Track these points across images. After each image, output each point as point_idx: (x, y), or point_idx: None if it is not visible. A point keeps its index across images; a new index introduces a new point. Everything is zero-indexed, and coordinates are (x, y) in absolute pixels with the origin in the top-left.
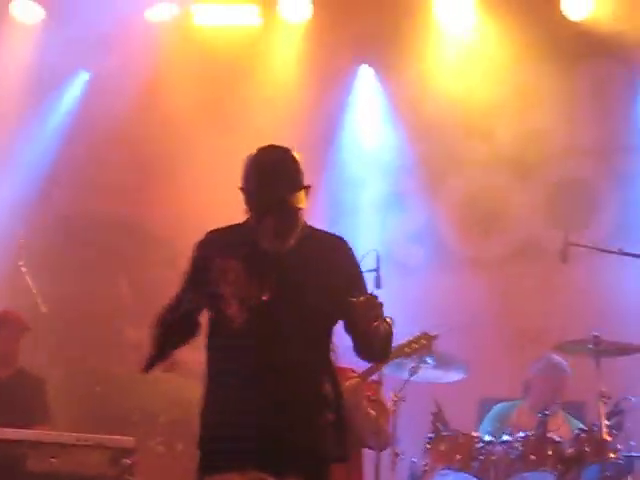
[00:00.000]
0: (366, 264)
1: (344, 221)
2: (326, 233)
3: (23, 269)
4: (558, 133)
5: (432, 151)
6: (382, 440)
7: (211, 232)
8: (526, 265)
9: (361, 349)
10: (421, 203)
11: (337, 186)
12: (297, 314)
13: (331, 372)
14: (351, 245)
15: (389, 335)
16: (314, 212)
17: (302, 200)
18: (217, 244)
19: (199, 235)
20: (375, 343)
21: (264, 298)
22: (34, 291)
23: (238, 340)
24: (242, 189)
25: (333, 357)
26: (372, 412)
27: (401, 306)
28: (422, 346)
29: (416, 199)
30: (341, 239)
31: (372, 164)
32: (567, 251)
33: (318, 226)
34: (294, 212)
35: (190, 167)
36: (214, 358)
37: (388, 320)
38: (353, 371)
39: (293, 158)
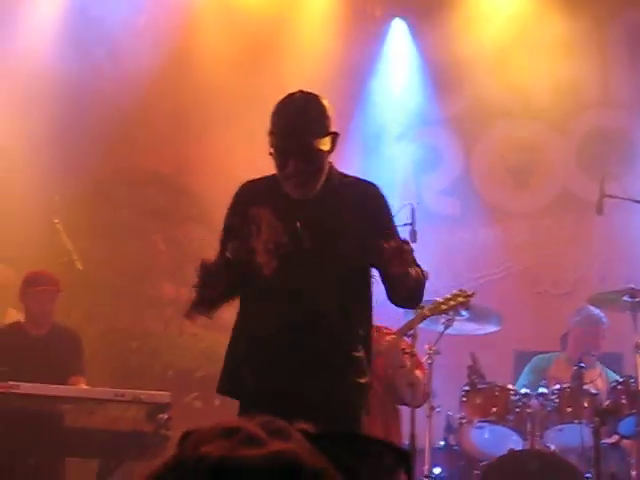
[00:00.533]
0: (401, 217)
1: (378, 173)
2: (358, 179)
3: (58, 226)
4: (592, 84)
5: (466, 104)
6: (418, 395)
7: (245, 183)
8: (561, 217)
9: (392, 294)
10: (455, 156)
11: (371, 139)
12: (328, 262)
13: (365, 323)
14: (384, 192)
15: (421, 282)
16: (347, 163)
17: (328, 145)
18: (250, 194)
19: (232, 190)
20: (406, 288)
21: (293, 245)
22: (70, 248)
23: (268, 289)
24: (269, 133)
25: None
26: (407, 366)
27: (436, 258)
28: (459, 303)
29: (450, 152)
30: (374, 185)
31: (406, 117)
32: (602, 203)
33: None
34: (318, 156)
35: (223, 123)
36: (245, 307)
37: (421, 269)
38: (388, 329)
39: (320, 103)
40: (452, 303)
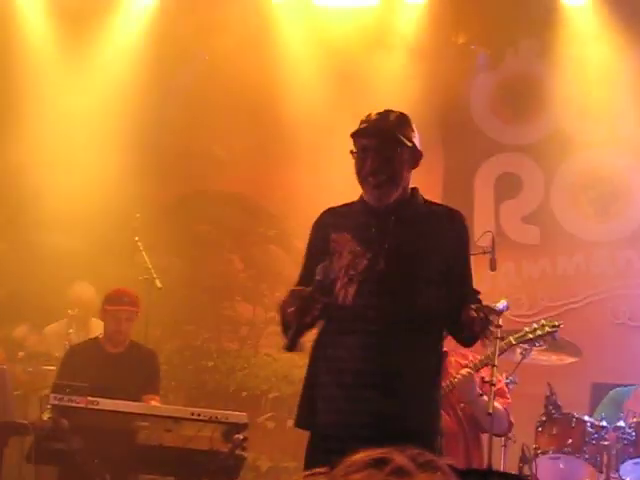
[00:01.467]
0: (482, 245)
1: (459, 201)
2: (444, 206)
3: (139, 244)
4: None
5: (547, 132)
6: (500, 424)
7: (327, 209)
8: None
9: (456, 335)
10: (537, 184)
11: (452, 166)
12: (408, 286)
13: (433, 344)
14: (466, 222)
15: (485, 326)
16: (429, 195)
17: (408, 155)
18: (331, 220)
19: (311, 213)
20: (473, 335)
21: (372, 269)
22: (149, 266)
23: (347, 318)
24: (352, 135)
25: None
26: (485, 396)
27: (515, 287)
28: (546, 333)
29: (532, 180)
30: (459, 213)
31: (486, 145)
32: None
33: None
34: (397, 157)
35: (308, 150)
36: (324, 338)
37: (486, 309)
38: (474, 355)
39: (406, 116)
40: (539, 333)
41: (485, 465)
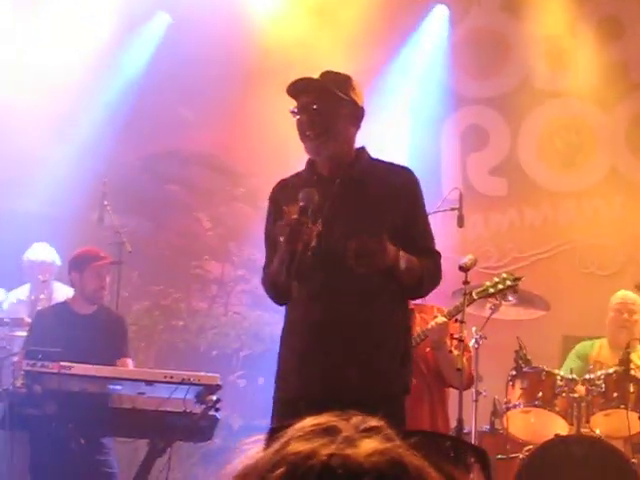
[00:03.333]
0: (449, 199)
1: (424, 155)
2: (392, 163)
3: (108, 208)
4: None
5: (513, 84)
6: (465, 379)
7: (279, 182)
8: (609, 197)
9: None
10: (503, 136)
11: (418, 121)
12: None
13: (394, 307)
14: (416, 176)
15: (421, 274)
16: (395, 147)
17: (348, 109)
18: (283, 192)
19: (278, 171)
20: (403, 281)
21: (321, 233)
22: (119, 230)
23: (304, 282)
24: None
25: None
26: (455, 351)
27: (484, 239)
28: (507, 287)
29: (498, 132)
30: (407, 170)
31: (452, 98)
32: None
33: (397, 161)
34: (334, 105)
35: (270, 105)
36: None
37: (427, 257)
38: (439, 309)
39: (346, 75)
40: (500, 287)
41: (456, 419)
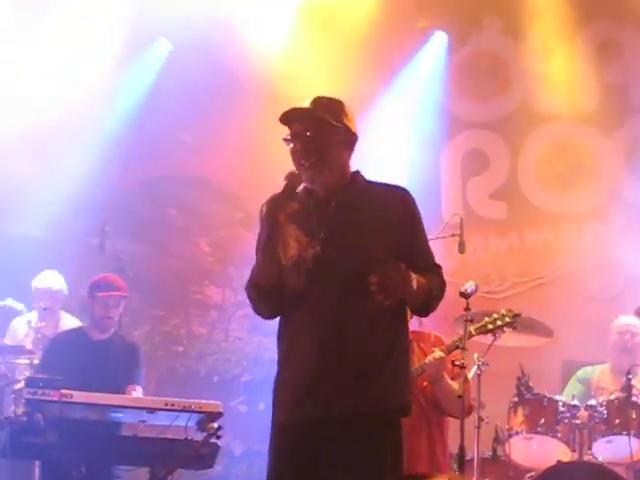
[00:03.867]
0: (450, 227)
1: (424, 179)
2: (387, 184)
3: (109, 234)
4: (637, 87)
5: (512, 108)
6: (464, 407)
7: (269, 199)
8: (609, 220)
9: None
10: (503, 159)
11: (416, 145)
12: (356, 269)
13: (394, 325)
14: (412, 196)
15: (429, 294)
16: (394, 172)
17: (342, 135)
18: (274, 208)
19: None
20: (414, 305)
21: (318, 256)
22: (121, 256)
23: (301, 303)
24: (284, 139)
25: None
26: (454, 383)
27: (484, 262)
28: (505, 324)
29: (498, 155)
30: (403, 190)
31: (448, 122)
32: None
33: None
34: (327, 132)
35: (268, 129)
36: (280, 323)
37: (436, 277)
38: (437, 338)
39: (338, 100)
40: (499, 323)
41: (449, 449)
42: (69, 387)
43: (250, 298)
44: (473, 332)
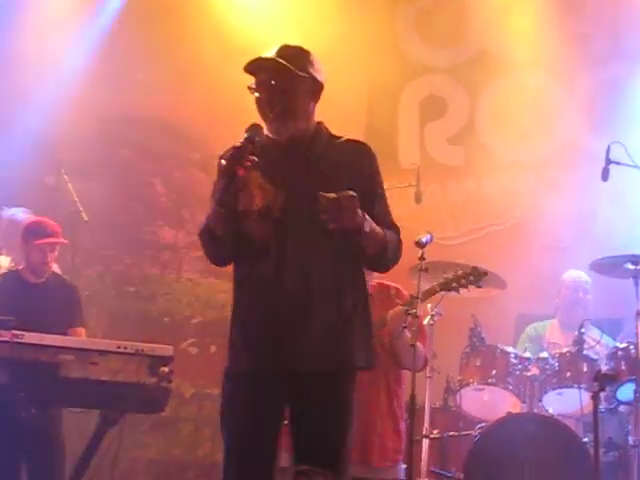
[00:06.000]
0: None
1: (383, 122)
2: (349, 139)
3: (65, 177)
4: (604, 38)
5: (470, 54)
6: (419, 360)
7: (231, 147)
8: (567, 169)
9: (361, 256)
10: (461, 105)
11: (377, 89)
12: (316, 221)
13: (356, 279)
14: (374, 153)
15: (385, 244)
16: (352, 115)
17: (307, 85)
18: None
19: (234, 136)
20: (367, 250)
21: (280, 205)
22: (76, 199)
23: (260, 251)
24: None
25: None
26: (409, 336)
27: (441, 209)
28: (470, 282)
29: (456, 101)
30: (364, 145)
31: (411, 65)
32: (608, 170)
33: (356, 130)
34: (291, 79)
35: (224, 68)
36: (241, 268)
37: (393, 231)
38: (396, 289)
39: (304, 49)
40: (463, 282)
41: (409, 395)
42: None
43: (203, 245)
44: (437, 289)
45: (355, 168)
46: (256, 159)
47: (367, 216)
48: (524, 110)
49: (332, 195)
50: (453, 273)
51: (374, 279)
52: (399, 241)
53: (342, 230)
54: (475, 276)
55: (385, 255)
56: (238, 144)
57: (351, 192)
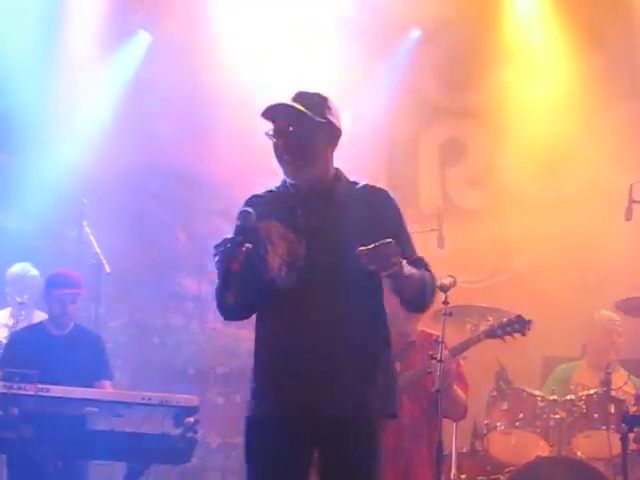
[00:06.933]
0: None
1: (404, 167)
2: (368, 185)
3: (87, 229)
4: (623, 75)
5: (492, 95)
6: (460, 410)
7: (250, 197)
8: (589, 210)
9: (400, 297)
10: (482, 147)
11: (395, 131)
12: (340, 271)
13: (378, 327)
14: (394, 197)
15: (425, 284)
16: (373, 161)
17: (325, 131)
18: (256, 207)
19: (255, 185)
20: (407, 291)
21: (304, 254)
22: (98, 251)
23: (283, 299)
24: (267, 134)
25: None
26: (459, 391)
27: (463, 252)
28: (515, 330)
29: (477, 144)
30: (384, 191)
31: (430, 109)
32: (631, 209)
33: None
34: (309, 126)
35: (249, 117)
36: (264, 319)
37: (428, 271)
38: (429, 335)
39: (320, 94)
40: (509, 330)
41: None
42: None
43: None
44: (482, 337)
45: (376, 212)
46: (250, 246)
47: (403, 260)
48: (546, 151)
49: (370, 246)
50: (498, 321)
51: (419, 327)
52: (433, 278)
53: (387, 276)
54: (520, 324)
55: (424, 295)
56: (228, 237)
57: (387, 239)
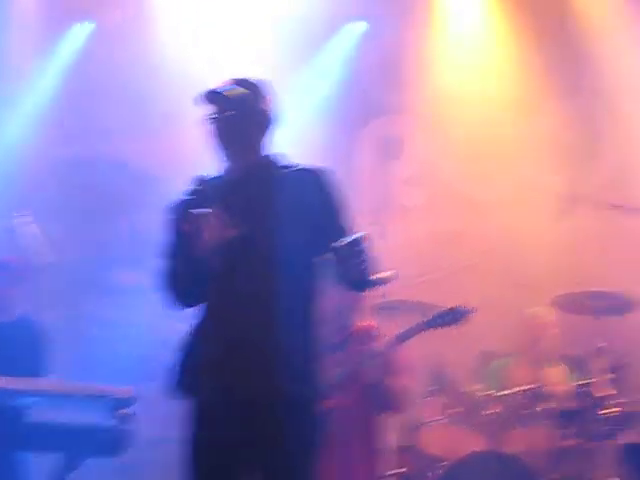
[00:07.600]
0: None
1: (340, 164)
2: (303, 166)
3: (29, 218)
4: (561, 74)
5: (429, 91)
6: (400, 404)
7: (195, 177)
8: (529, 207)
9: (343, 279)
10: (420, 145)
11: (333, 128)
12: (269, 249)
13: (307, 312)
14: (329, 174)
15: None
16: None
17: (256, 117)
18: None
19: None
20: (357, 280)
21: (233, 235)
22: (41, 240)
23: (217, 281)
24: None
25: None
26: (400, 382)
27: (403, 248)
28: (455, 320)
29: (415, 141)
30: (317, 171)
31: (368, 106)
32: (569, 207)
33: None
34: (243, 107)
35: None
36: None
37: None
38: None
39: (253, 82)
40: (448, 319)
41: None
42: None
43: (171, 290)
44: (424, 327)
45: (309, 193)
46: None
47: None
48: (482, 148)
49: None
50: (436, 311)
51: (359, 320)
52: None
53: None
54: (460, 313)
55: (366, 274)
56: (181, 198)
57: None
